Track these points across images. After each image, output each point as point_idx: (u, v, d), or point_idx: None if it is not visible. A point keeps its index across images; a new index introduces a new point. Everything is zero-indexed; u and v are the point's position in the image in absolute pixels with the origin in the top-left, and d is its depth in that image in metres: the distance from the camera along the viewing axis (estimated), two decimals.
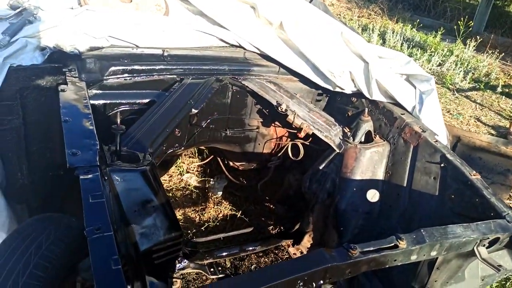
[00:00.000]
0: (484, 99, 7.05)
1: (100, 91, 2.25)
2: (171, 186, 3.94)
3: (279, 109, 2.54)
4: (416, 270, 1.92)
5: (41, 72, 2.01)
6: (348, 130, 2.60)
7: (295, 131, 2.67)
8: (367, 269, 1.49)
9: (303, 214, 2.87)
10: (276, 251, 3.10)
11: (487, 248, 1.77)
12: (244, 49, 2.63)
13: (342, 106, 2.86)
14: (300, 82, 2.86)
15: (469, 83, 7.44)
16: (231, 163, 3.37)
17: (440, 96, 6.86)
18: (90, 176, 1.44)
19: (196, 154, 4.24)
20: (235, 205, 3.79)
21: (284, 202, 3.19)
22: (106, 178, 1.63)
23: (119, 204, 1.76)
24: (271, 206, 3.76)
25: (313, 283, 1.38)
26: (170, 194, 3.81)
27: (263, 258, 3.04)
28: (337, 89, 2.67)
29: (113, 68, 2.28)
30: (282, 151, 2.99)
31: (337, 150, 2.55)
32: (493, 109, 6.73)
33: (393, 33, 8.75)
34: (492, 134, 5.92)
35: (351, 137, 2.52)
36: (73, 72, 2.07)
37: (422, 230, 1.57)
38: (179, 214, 3.61)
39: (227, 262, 3.12)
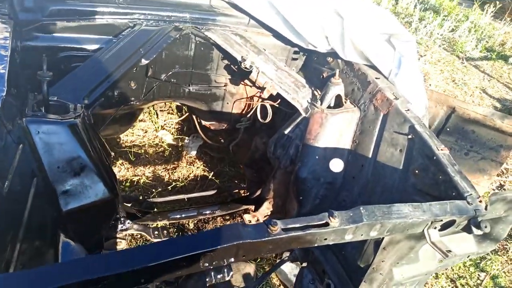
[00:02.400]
0: (494, 70, 6.64)
1: (39, 34, 2.04)
2: (144, 142, 3.80)
3: (243, 65, 2.31)
4: (362, 248, 1.77)
5: None
6: (319, 93, 2.37)
7: (260, 91, 2.46)
8: (292, 247, 1.35)
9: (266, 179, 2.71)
10: (234, 216, 2.99)
11: (442, 230, 1.60)
12: None
13: (318, 67, 2.61)
14: (273, 37, 2.60)
15: (480, 51, 6.98)
16: (203, 122, 3.19)
17: (448, 64, 6.47)
18: None
19: (175, 110, 4.06)
20: (208, 166, 3.65)
21: (252, 166, 3.02)
22: (10, 129, 1.46)
23: (38, 158, 1.61)
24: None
25: (224, 260, 1.23)
26: (142, 150, 3.67)
27: (221, 223, 2.94)
28: (310, 47, 2.41)
29: (54, 8, 2.05)
30: (252, 112, 2.79)
31: (303, 114, 2.34)
32: (502, 80, 6.33)
33: None
34: (496, 107, 5.60)
35: (319, 101, 2.29)
36: (2, 10, 1.86)
37: (361, 208, 1.39)
38: (148, 171, 3.49)
39: (190, 224, 3.02)
